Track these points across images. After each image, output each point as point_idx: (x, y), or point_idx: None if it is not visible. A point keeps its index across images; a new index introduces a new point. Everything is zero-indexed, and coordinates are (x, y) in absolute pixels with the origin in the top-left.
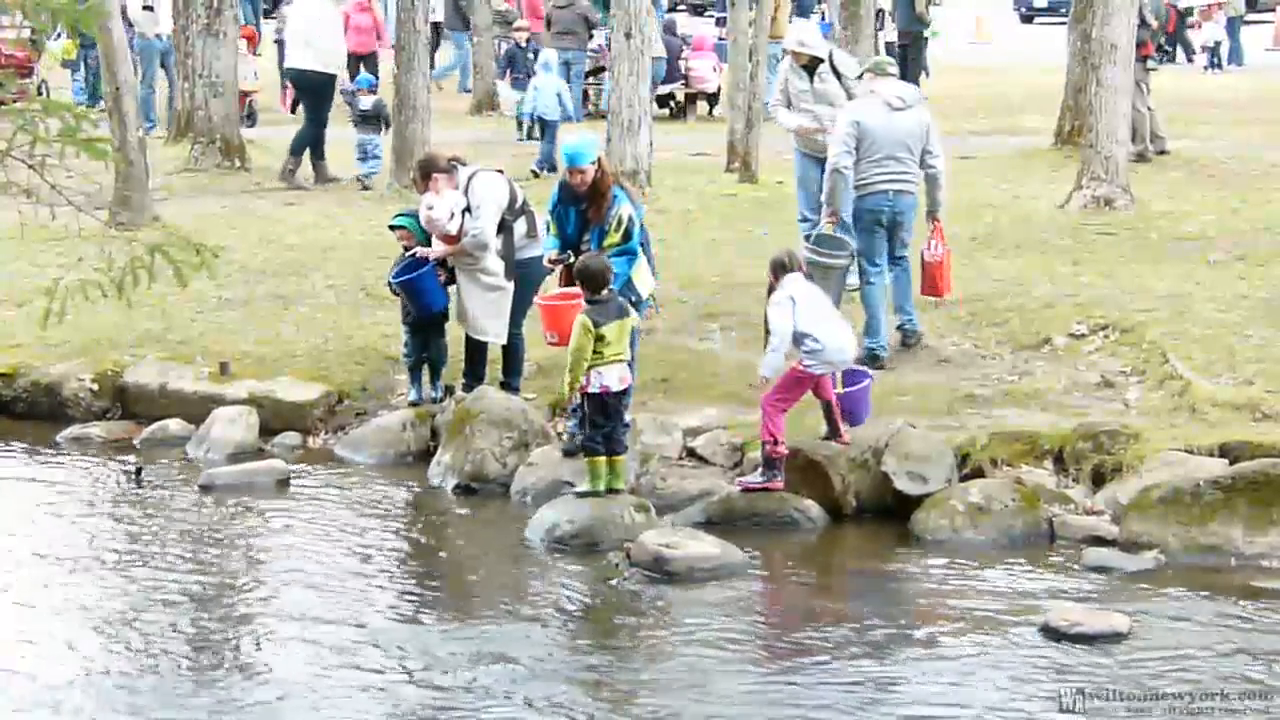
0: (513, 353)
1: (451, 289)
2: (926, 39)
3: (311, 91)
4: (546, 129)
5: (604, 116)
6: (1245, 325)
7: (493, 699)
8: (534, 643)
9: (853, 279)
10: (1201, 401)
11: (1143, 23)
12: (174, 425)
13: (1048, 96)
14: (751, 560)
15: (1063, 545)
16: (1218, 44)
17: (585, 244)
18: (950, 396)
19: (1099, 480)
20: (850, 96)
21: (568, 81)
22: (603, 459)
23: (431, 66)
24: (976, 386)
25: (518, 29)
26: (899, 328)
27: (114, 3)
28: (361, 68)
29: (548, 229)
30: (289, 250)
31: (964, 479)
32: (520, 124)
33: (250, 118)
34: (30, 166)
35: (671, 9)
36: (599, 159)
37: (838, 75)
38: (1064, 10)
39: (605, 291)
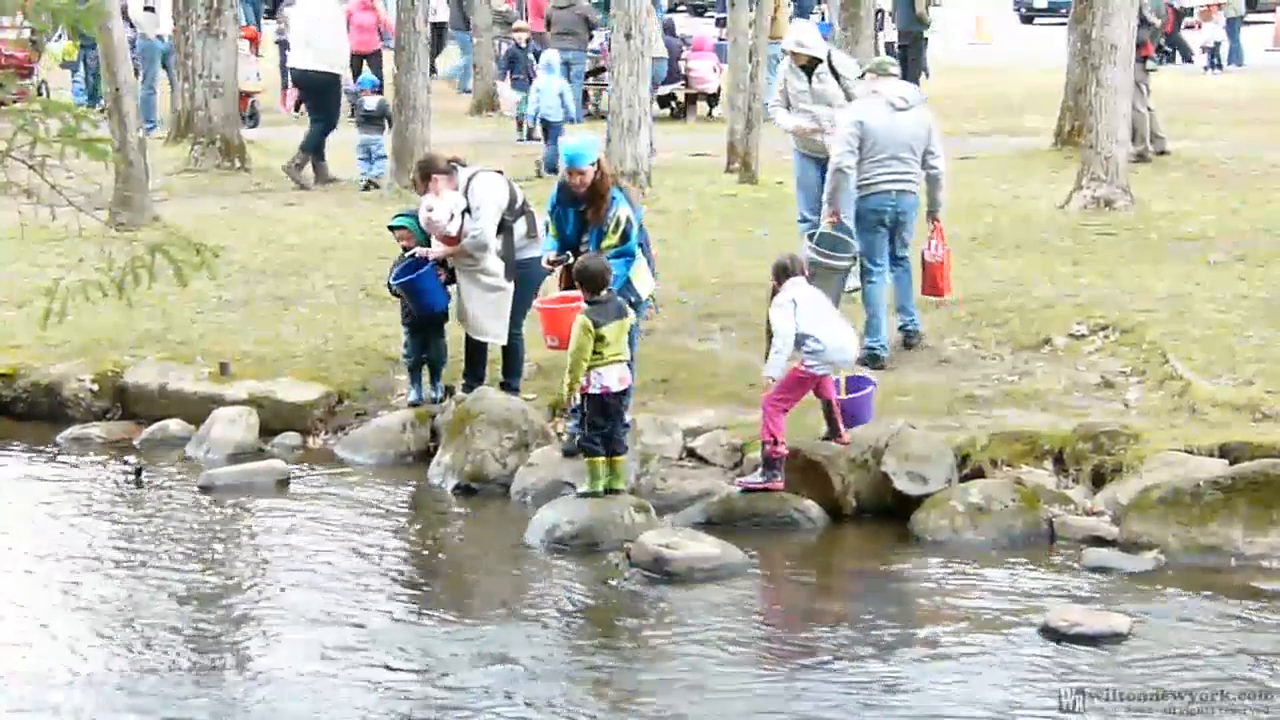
0: (513, 353)
1: (451, 289)
2: (926, 39)
3: (315, 91)
4: (549, 130)
5: (604, 117)
6: (1245, 325)
7: (493, 699)
8: (534, 643)
9: (853, 280)
10: (1201, 402)
11: (1144, 22)
12: (174, 425)
13: (1048, 97)
14: (751, 560)
15: (1063, 545)
16: (1218, 44)
17: (584, 245)
18: (950, 397)
19: (1099, 481)
20: (849, 97)
21: (568, 82)
22: (602, 459)
23: (433, 68)
24: (976, 387)
25: (518, 29)
26: (900, 328)
27: (114, 3)
28: (365, 67)
29: (546, 230)
30: (289, 250)
31: (964, 479)
32: (520, 124)
33: (253, 118)
34: (30, 167)
35: (671, 9)
36: (598, 160)
37: (836, 76)
38: (1064, 10)
39: (605, 292)
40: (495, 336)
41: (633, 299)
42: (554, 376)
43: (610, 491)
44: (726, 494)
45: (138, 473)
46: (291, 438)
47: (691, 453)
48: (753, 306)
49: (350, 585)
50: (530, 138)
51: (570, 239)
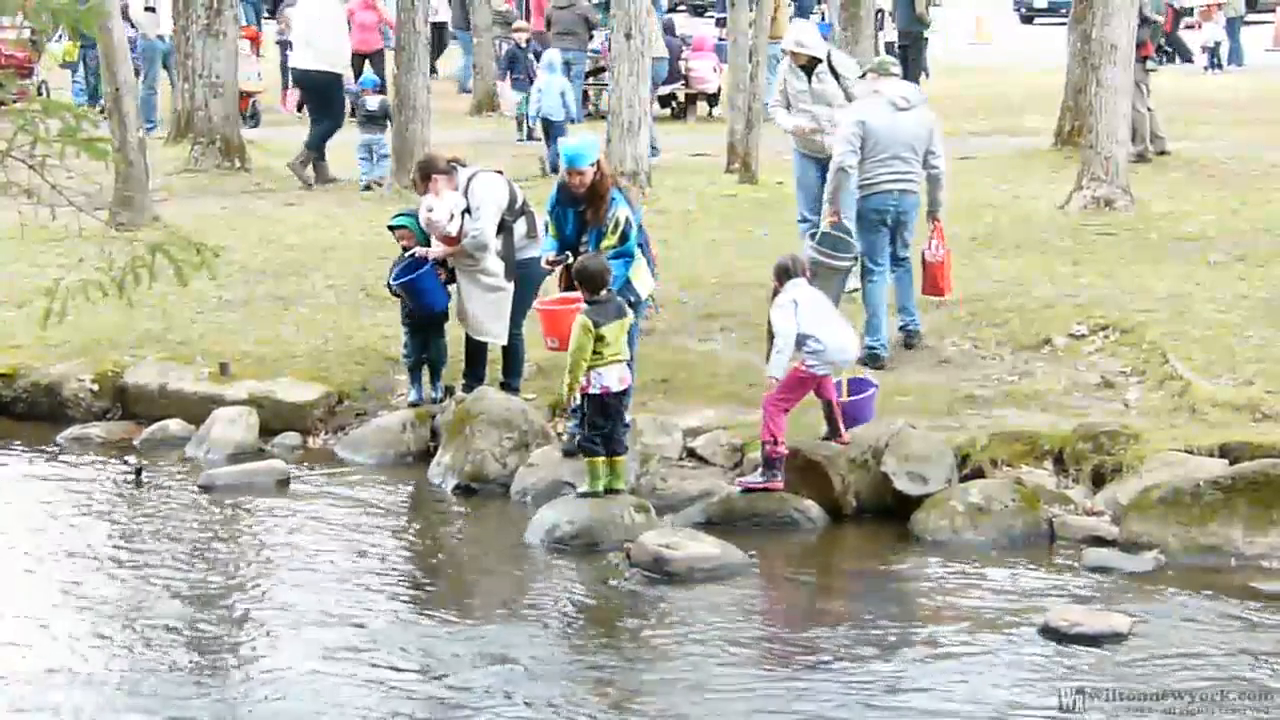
0: (513, 353)
1: (451, 289)
2: (926, 39)
3: (317, 91)
4: (551, 129)
5: (604, 117)
6: (1245, 325)
7: (493, 699)
8: (534, 643)
9: (853, 281)
10: (1201, 402)
11: (1144, 20)
12: (174, 425)
13: (1048, 97)
14: (751, 561)
15: (1063, 546)
16: (1218, 44)
17: (583, 245)
18: (950, 397)
19: (1099, 481)
20: (849, 97)
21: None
22: (602, 459)
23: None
24: (977, 387)
25: (518, 29)
26: (900, 328)
27: (114, 3)
28: (367, 66)
29: (546, 230)
30: (289, 250)
31: (964, 479)
32: (520, 124)
33: (254, 118)
34: (30, 167)
35: (671, 9)
36: (598, 161)
37: (836, 76)
38: (1064, 11)
39: (604, 292)
40: (495, 337)
41: (632, 299)
42: (554, 376)
43: (610, 491)
44: (726, 494)
45: (138, 473)
46: (291, 438)
47: (691, 453)
48: (753, 306)
49: (350, 585)
50: (530, 138)
51: (570, 239)
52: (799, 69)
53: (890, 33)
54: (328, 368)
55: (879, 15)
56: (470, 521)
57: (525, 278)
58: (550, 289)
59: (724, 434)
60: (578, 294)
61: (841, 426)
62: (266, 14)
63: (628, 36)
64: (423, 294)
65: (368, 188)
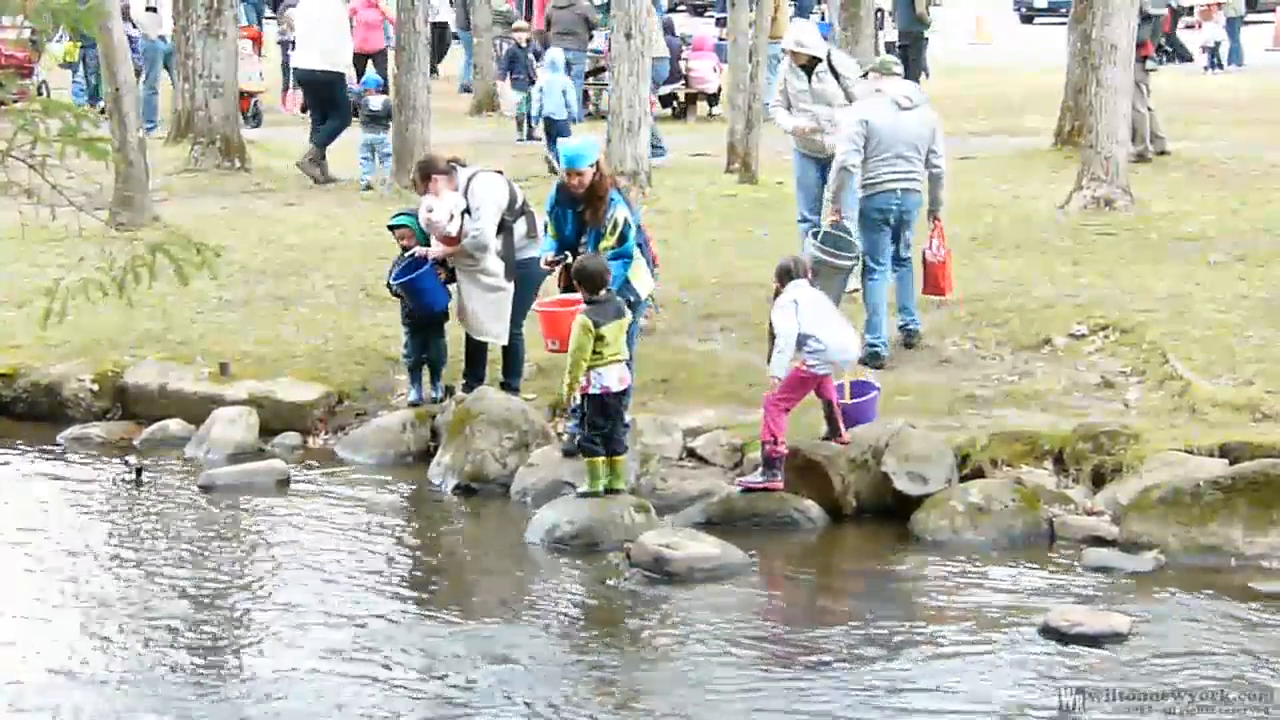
0: (513, 353)
1: (451, 288)
2: (926, 39)
3: (320, 90)
4: (555, 128)
5: (604, 117)
6: (1245, 325)
7: (493, 699)
8: (534, 643)
9: (853, 281)
10: (1201, 402)
11: (1145, 17)
12: (174, 425)
13: (1048, 97)
14: (751, 561)
15: (1063, 545)
16: (1218, 44)
17: (582, 246)
18: (950, 397)
19: (1099, 481)
20: (849, 97)
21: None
22: (602, 459)
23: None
24: (977, 387)
25: (518, 29)
26: (901, 328)
27: (114, 3)
28: (370, 66)
29: (545, 230)
30: (289, 250)
31: (964, 479)
32: (520, 124)
33: (255, 118)
34: (31, 166)
35: (671, 9)
36: (597, 162)
37: (836, 75)
38: (1064, 10)
39: (604, 292)
40: (496, 337)
41: (631, 298)
42: (554, 376)
43: (610, 491)
44: (726, 494)
45: (138, 473)
46: (291, 438)
47: (691, 453)
48: (753, 306)
49: (350, 585)
50: (530, 138)
51: (569, 240)
52: (799, 69)
53: (890, 33)
54: (328, 368)
55: (879, 15)
56: (470, 521)
57: (525, 278)
58: (550, 290)
59: (724, 434)
60: (577, 295)
61: (841, 426)
62: (268, 14)
63: (628, 36)
64: (423, 294)
65: (368, 187)
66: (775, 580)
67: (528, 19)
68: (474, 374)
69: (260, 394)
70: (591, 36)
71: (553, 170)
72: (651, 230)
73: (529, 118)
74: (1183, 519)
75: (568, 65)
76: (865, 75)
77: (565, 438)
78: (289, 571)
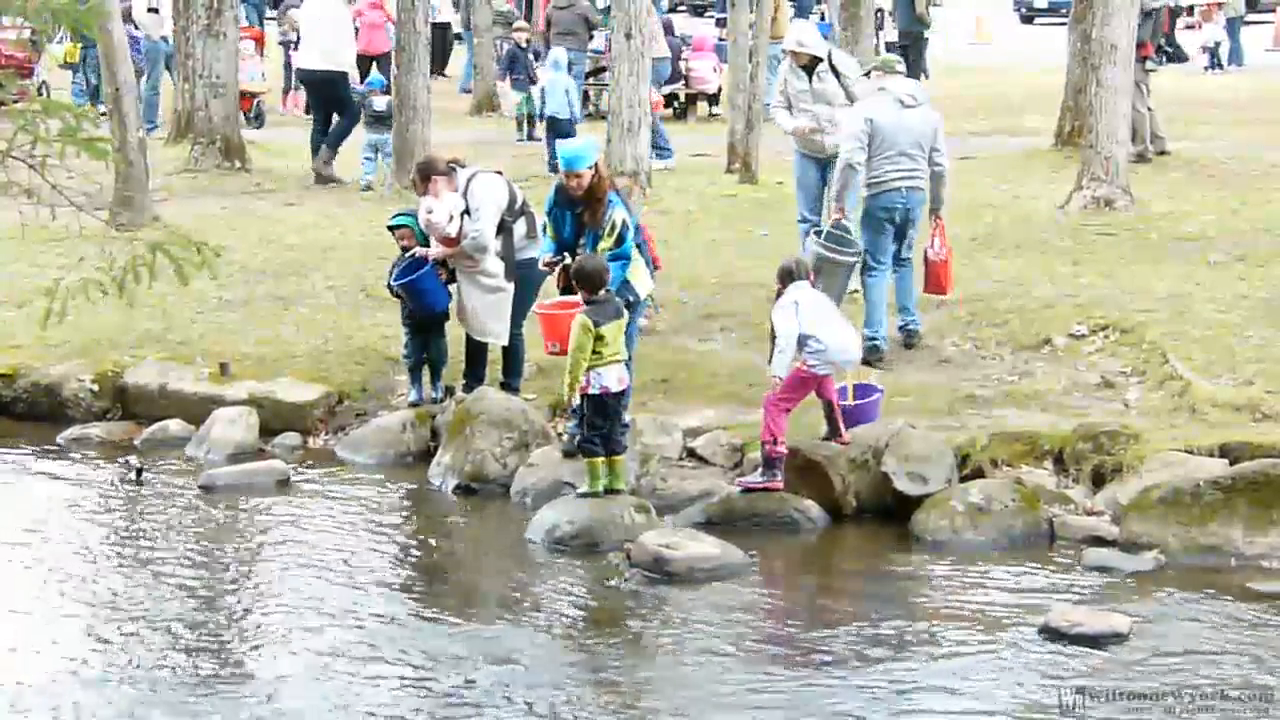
0: (513, 353)
1: (452, 288)
2: (927, 40)
3: (324, 90)
4: (558, 128)
5: (604, 117)
6: (1245, 325)
7: (493, 699)
8: (534, 643)
9: (853, 282)
10: (1201, 402)
11: (1146, 14)
12: (174, 426)
13: (1048, 97)
14: (752, 561)
15: (1063, 546)
16: (1218, 44)
17: (581, 247)
18: (951, 397)
19: (1099, 481)
20: (849, 96)
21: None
22: (601, 460)
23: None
24: (977, 387)
25: (518, 29)
26: (901, 328)
27: (114, 3)
28: (374, 68)
29: (544, 231)
30: (289, 250)
31: (964, 479)
32: (520, 124)
33: (258, 119)
34: (31, 167)
35: (671, 9)
36: (596, 163)
37: (837, 75)
38: (1064, 11)
39: (603, 292)
40: (496, 337)
41: (631, 298)
42: (554, 376)
43: (610, 491)
44: (726, 494)
45: (138, 473)
46: (291, 438)
47: (691, 453)
48: (753, 306)
49: (350, 585)
50: (530, 138)
51: (568, 241)
52: (800, 69)
53: (891, 33)
54: (328, 368)
55: (879, 15)
56: (470, 521)
57: (525, 278)
58: (550, 291)
59: (724, 434)
60: (576, 298)
61: (842, 426)
62: (269, 14)
63: (628, 36)
64: (423, 294)
65: (368, 188)
66: (775, 580)
67: (528, 19)
68: (474, 374)
69: (260, 394)
70: (592, 36)
71: (554, 170)
72: (652, 231)
73: (530, 118)
74: (1183, 519)
75: (569, 65)
76: (868, 74)
77: (565, 438)
78: (289, 572)
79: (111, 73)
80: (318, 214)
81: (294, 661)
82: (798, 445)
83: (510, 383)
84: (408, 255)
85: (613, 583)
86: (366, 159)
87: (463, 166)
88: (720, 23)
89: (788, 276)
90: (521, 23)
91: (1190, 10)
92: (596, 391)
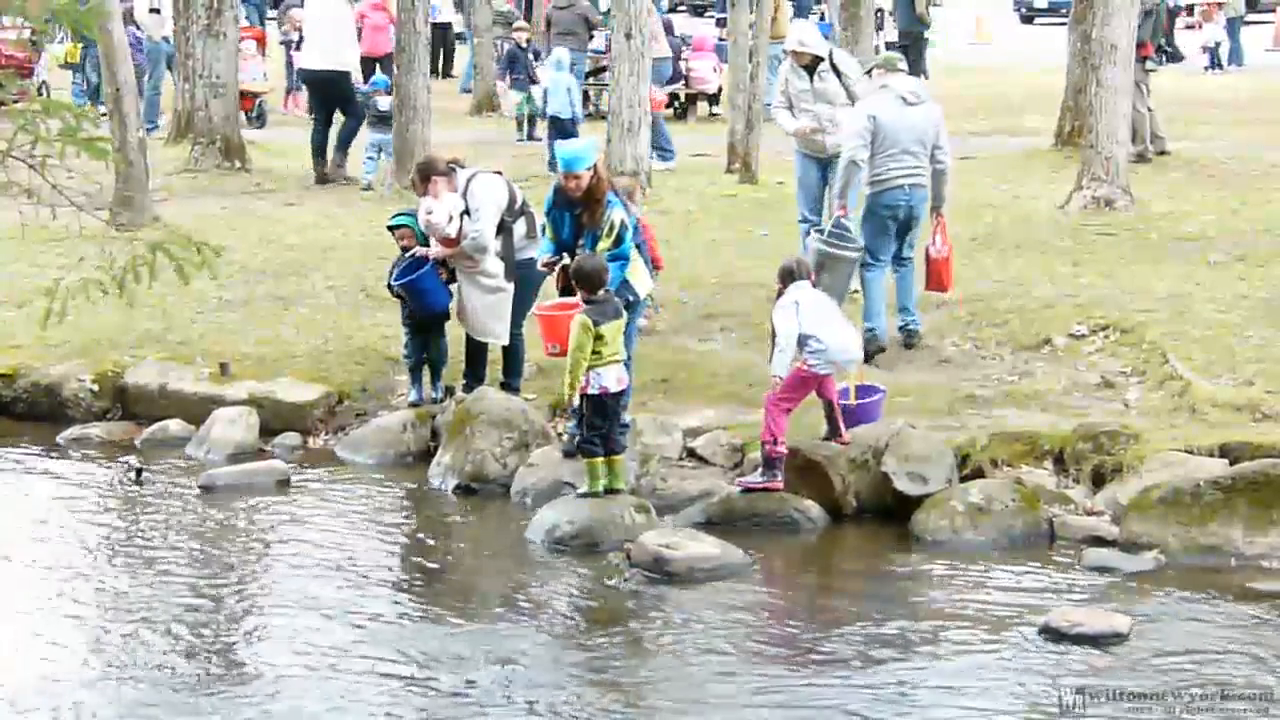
0: (513, 353)
1: (452, 288)
2: (927, 40)
3: (322, 90)
4: (561, 127)
5: (604, 117)
6: (1245, 325)
7: (493, 699)
8: (534, 643)
9: (854, 283)
10: (1201, 402)
11: (1146, 14)
12: (174, 426)
13: (1048, 97)
14: (752, 561)
15: (1063, 546)
16: (1218, 44)
17: (580, 248)
18: (950, 397)
19: (1099, 481)
20: (851, 96)
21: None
22: (600, 460)
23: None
24: (977, 387)
25: (518, 29)
26: (901, 328)
27: (114, 3)
28: (378, 69)
29: (543, 232)
30: (289, 250)
31: (964, 479)
32: (520, 124)
33: (260, 119)
34: (31, 167)
35: (671, 9)
36: (594, 164)
37: (838, 74)
38: (1064, 11)
39: (602, 292)
40: (496, 337)
41: (630, 298)
42: (554, 376)
43: (610, 491)
44: (726, 494)
45: (138, 473)
46: (291, 438)
47: (691, 453)
48: (753, 306)
49: (350, 585)
50: (531, 138)
51: (567, 241)
52: (801, 69)
53: (891, 33)
54: (328, 368)
55: (879, 15)
56: (470, 521)
57: (525, 278)
58: (549, 292)
59: (724, 434)
60: (575, 299)
61: (842, 426)
62: (269, 15)
63: (628, 36)
64: (424, 294)
65: (368, 187)
66: (775, 580)
67: (528, 19)
68: (474, 374)
69: (260, 394)
70: (592, 36)
71: (554, 169)
72: (654, 231)
73: (532, 117)
74: (1183, 519)
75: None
76: (869, 72)
77: (565, 438)
78: (289, 572)
79: (111, 73)
80: (318, 214)
81: (294, 661)
82: (798, 445)
83: (510, 383)
84: (408, 255)
85: (613, 583)
86: (369, 159)
87: (462, 167)
88: (720, 23)
89: (789, 276)
90: (521, 23)
91: (1190, 10)
92: (596, 392)
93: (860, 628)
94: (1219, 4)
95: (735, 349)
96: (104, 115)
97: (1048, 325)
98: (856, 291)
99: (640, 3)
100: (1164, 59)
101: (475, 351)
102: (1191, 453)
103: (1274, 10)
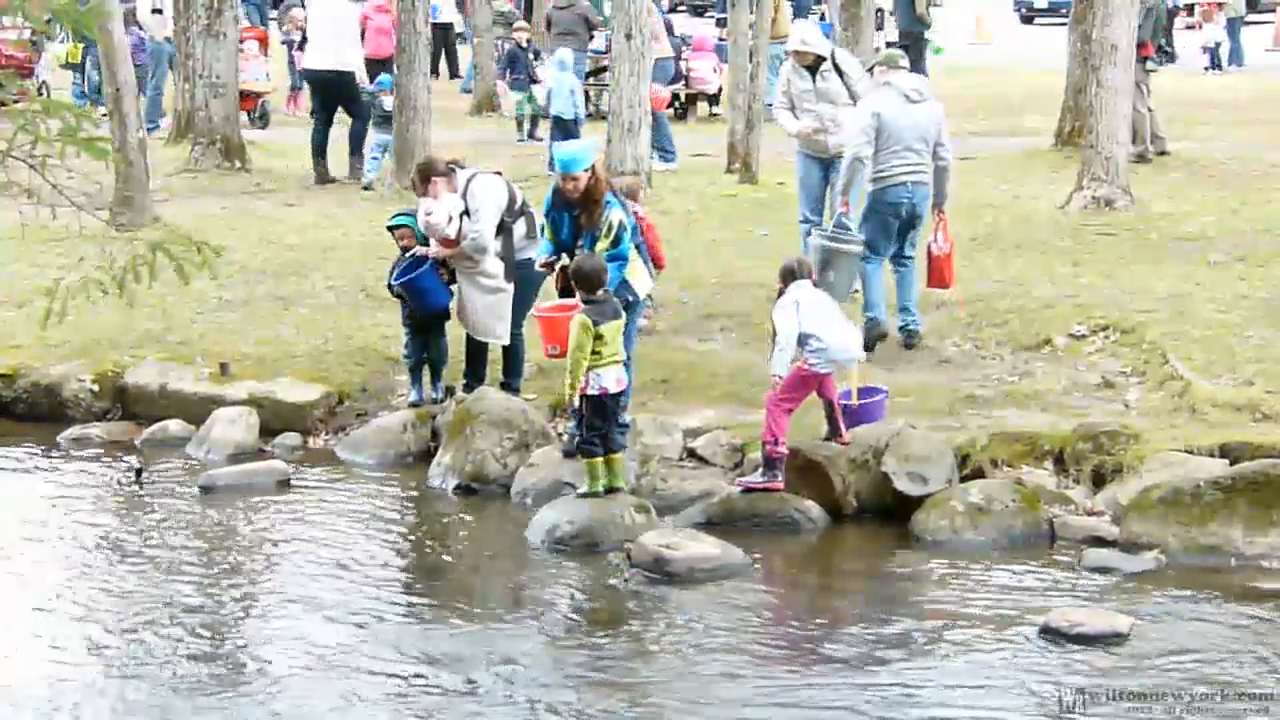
0: (513, 353)
1: (452, 288)
2: (927, 40)
3: (325, 90)
4: (564, 128)
5: (604, 117)
6: (1245, 325)
7: (493, 699)
8: (534, 643)
9: (855, 282)
10: (1201, 402)
11: (1146, 12)
12: (174, 426)
13: (1048, 97)
14: (752, 561)
15: (1063, 546)
16: (1218, 44)
17: (579, 248)
18: (951, 397)
19: (1099, 481)
20: (853, 94)
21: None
22: (600, 460)
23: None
24: (977, 387)
25: (518, 29)
26: (901, 328)
27: (114, 3)
28: (383, 70)
29: (542, 232)
30: (289, 250)
31: (964, 479)
32: (520, 124)
33: (263, 119)
34: (31, 166)
35: (672, 9)
36: (593, 166)
37: (840, 73)
38: (1064, 11)
39: (601, 292)
40: (496, 337)
41: (630, 298)
42: (554, 377)
43: (610, 490)
44: (727, 494)
45: (138, 473)
46: (292, 438)
47: (692, 453)
48: (753, 306)
49: (350, 586)
50: (531, 137)
51: (566, 242)
52: (804, 69)
53: (891, 33)
54: (328, 368)
55: (879, 15)
56: (470, 522)
57: (525, 278)
58: (549, 293)
59: (724, 434)
60: (575, 300)
61: (842, 426)
62: (270, 15)
63: (628, 37)
64: (425, 293)
65: (367, 187)
66: (775, 581)
67: (528, 19)
68: (474, 374)
69: (260, 394)
70: (592, 37)
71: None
72: (658, 232)
73: (534, 117)
74: (1183, 519)
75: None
76: (871, 69)
77: (565, 438)
78: (289, 572)
79: (111, 73)
80: (318, 214)
81: (294, 662)
82: (798, 445)
83: (510, 383)
84: (408, 255)
85: (613, 583)
86: (374, 159)
87: (462, 167)
88: (720, 23)
89: (789, 275)
90: (522, 23)
91: (1190, 10)
92: (595, 392)
93: (861, 628)
94: (1219, 4)
95: (735, 349)
96: (104, 115)
97: (1048, 325)
98: (856, 291)
99: (640, 3)
100: (1163, 59)
101: (475, 351)
102: (1191, 453)
103: (1274, 10)
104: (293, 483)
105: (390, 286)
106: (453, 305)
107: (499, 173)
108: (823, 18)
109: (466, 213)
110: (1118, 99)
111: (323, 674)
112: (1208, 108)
